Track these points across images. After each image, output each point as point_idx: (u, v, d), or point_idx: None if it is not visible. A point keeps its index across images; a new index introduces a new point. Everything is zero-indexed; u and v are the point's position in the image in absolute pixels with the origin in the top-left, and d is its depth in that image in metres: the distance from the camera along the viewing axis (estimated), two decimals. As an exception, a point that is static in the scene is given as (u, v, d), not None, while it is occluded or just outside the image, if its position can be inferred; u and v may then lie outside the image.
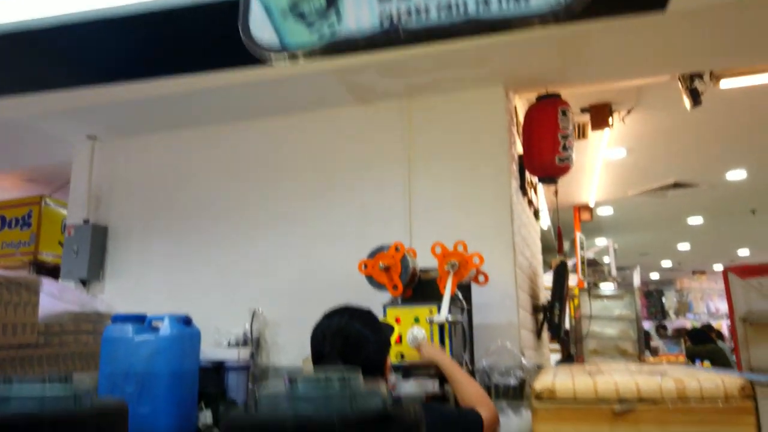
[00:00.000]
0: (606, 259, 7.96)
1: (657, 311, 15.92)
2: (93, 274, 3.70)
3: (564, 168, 3.00)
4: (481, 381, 2.25)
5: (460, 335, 2.38)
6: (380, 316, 2.25)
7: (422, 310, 2.25)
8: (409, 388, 2.14)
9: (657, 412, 1.48)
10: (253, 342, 3.11)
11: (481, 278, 2.46)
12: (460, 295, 2.44)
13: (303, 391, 0.73)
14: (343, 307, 1.70)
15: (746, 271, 2.68)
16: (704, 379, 1.50)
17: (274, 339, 3.22)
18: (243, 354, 2.91)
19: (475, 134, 2.99)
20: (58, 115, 3.53)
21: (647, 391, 1.50)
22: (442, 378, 2.22)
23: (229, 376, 2.89)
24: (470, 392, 1.83)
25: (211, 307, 3.31)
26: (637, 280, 4.70)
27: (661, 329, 9.00)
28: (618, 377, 1.58)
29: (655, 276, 15.41)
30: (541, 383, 1.62)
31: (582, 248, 7.25)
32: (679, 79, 3.24)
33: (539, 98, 3.14)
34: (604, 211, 7.94)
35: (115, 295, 3.61)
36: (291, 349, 3.06)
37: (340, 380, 0.73)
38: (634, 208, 7.74)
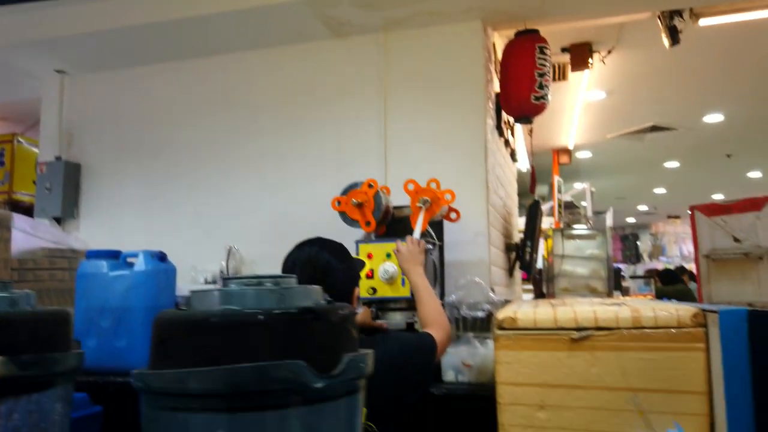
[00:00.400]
0: (584, 203, 8.07)
1: (632, 254, 16.33)
2: (67, 211, 3.67)
3: (540, 107, 2.99)
4: (450, 314, 2.31)
5: (431, 270, 2.43)
6: (353, 253, 2.29)
7: (394, 246, 2.28)
8: (388, 319, 2.21)
9: (613, 339, 1.54)
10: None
11: (453, 215, 2.49)
12: (432, 232, 2.48)
13: (234, 290, 0.75)
14: (314, 239, 1.74)
15: (712, 209, 2.74)
16: (659, 308, 1.56)
17: (251, 276, 3.25)
18: (219, 290, 2.94)
19: (452, 70, 2.95)
20: (24, 47, 3.41)
21: (604, 319, 1.56)
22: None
23: (206, 312, 2.94)
24: (426, 312, 1.88)
25: (188, 245, 3.32)
26: (609, 221, 4.79)
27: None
28: (578, 308, 1.64)
29: (631, 220, 15.69)
30: (504, 313, 1.67)
31: (560, 191, 7.33)
32: (659, 16, 3.21)
33: (517, 34, 3.09)
34: (583, 155, 8.00)
35: (91, 233, 3.59)
36: (267, 286, 3.10)
37: (272, 280, 0.75)
38: (612, 151, 7.80)
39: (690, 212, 2.79)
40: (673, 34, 3.16)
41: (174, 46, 3.40)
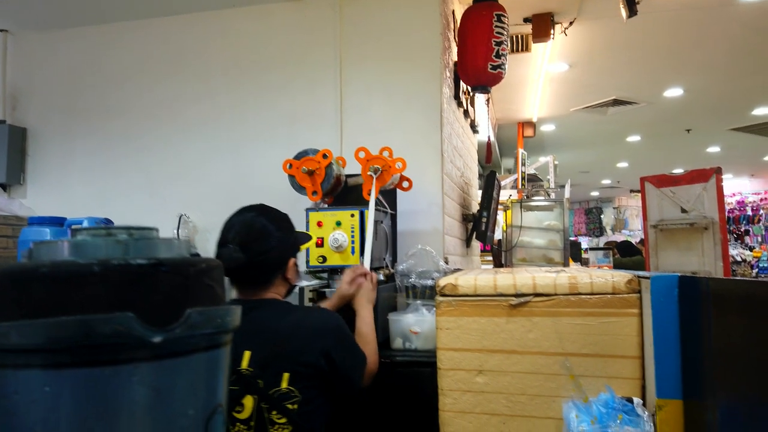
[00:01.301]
0: (548, 177, 8.15)
1: (596, 227, 16.67)
2: (13, 177, 3.54)
3: (496, 76, 2.96)
4: (400, 282, 2.31)
5: (383, 238, 2.42)
6: (303, 220, 2.26)
7: (344, 214, 2.26)
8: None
9: (550, 305, 1.56)
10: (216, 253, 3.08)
11: (405, 184, 2.48)
12: (384, 200, 2.46)
13: (81, 240, 0.71)
14: (256, 205, 1.73)
15: (662, 180, 2.79)
16: (597, 275, 1.57)
17: (204, 245, 3.20)
18: (170, 258, 2.89)
19: (408, 37, 2.90)
20: (-40, 4, 3.23)
21: (542, 285, 1.57)
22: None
23: (156, 280, 2.89)
24: (365, 344, 1.80)
25: (139, 213, 3.25)
26: (567, 194, 4.84)
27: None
28: (518, 275, 1.65)
29: (595, 194, 15.96)
30: (446, 280, 1.68)
31: (524, 164, 7.39)
32: (617, -13, 3.20)
33: (475, 1, 3.05)
34: (547, 128, 8.05)
35: (38, 200, 3.48)
36: (221, 255, 3.06)
37: (126, 231, 0.72)
38: (575, 125, 7.86)
39: (640, 184, 2.83)
40: (631, 5, 3.16)
41: (124, 6, 3.26)
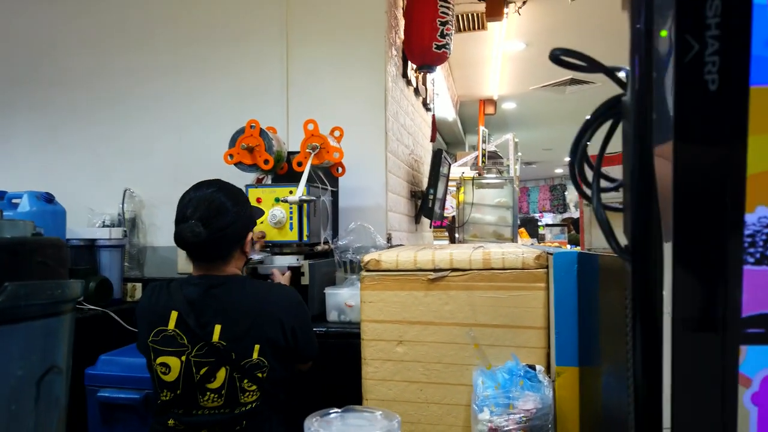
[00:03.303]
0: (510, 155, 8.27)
1: (559, 204, 16.99)
2: (-47, 150, 3.48)
3: (441, 56, 3.01)
4: (338, 258, 2.38)
5: (322, 215, 2.48)
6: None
7: (282, 191, 2.31)
8: (278, 261, 2.26)
9: (465, 279, 1.65)
10: (127, 222, 3.09)
11: (339, 170, 2.53)
12: (323, 176, 2.51)
13: None
14: (213, 180, 1.77)
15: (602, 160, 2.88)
16: (509, 252, 1.66)
17: (151, 220, 3.22)
18: (115, 233, 2.90)
19: (354, 14, 2.92)
20: None
21: (458, 261, 1.66)
22: (307, 255, 2.35)
23: (101, 254, 2.90)
24: None
25: (84, 187, 3.23)
26: (516, 170, 4.95)
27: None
28: (437, 252, 1.73)
29: (559, 171, 16.22)
30: (370, 256, 1.75)
31: (484, 141, 7.49)
32: (562, -30, 3.26)
33: (421, -19, 3.08)
34: (508, 105, 8.15)
35: (-18, 173, 3.43)
36: (168, 230, 3.06)
37: None
38: (536, 103, 7.99)
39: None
40: (575, -12, 3.22)
41: (67, -24, 3.20)
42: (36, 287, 0.70)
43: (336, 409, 1.20)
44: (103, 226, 3.05)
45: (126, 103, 3.25)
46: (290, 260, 2.32)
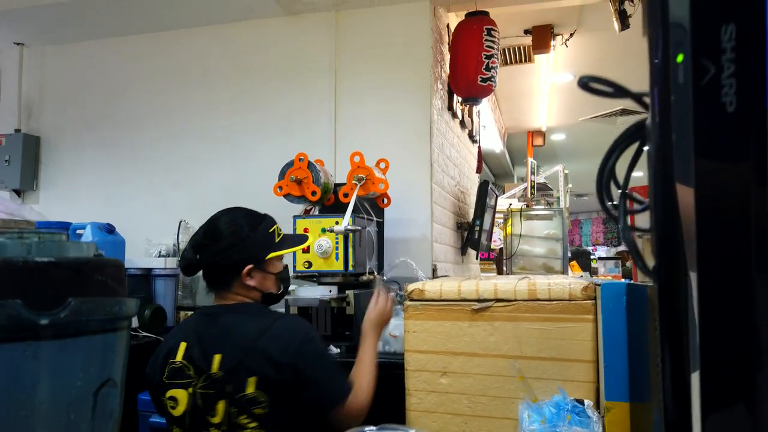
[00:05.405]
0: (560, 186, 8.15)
1: (613, 237, 16.53)
2: (26, 184, 3.71)
3: (486, 89, 3.04)
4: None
5: (367, 245, 2.50)
6: (290, 228, 2.36)
7: (329, 221, 2.35)
8: (306, 292, 2.28)
9: (510, 310, 1.63)
10: (181, 252, 3.20)
11: (384, 200, 2.57)
12: (369, 207, 2.55)
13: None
14: (234, 208, 1.73)
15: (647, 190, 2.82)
16: (555, 283, 1.64)
17: (204, 249, 3.32)
18: (170, 263, 3.01)
19: (400, 50, 3.00)
20: (-19, 20, 3.42)
21: (503, 291, 1.64)
22: (343, 286, 2.36)
23: (157, 284, 3.01)
24: (362, 371, 1.68)
25: (143, 219, 3.38)
26: (566, 202, 4.87)
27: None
28: (482, 282, 1.72)
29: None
30: (414, 286, 1.76)
31: (533, 173, 7.42)
32: (609, 0, 3.26)
33: (467, 15, 3.14)
34: (557, 137, 8.07)
35: (50, 205, 3.64)
36: (219, 259, 3.17)
37: (36, 235, 0.83)
38: (586, 134, 7.87)
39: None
40: (623, 19, 3.21)
41: (131, 21, 3.42)
42: (96, 303, 0.75)
43: (371, 427, 1.20)
44: (159, 255, 3.17)
45: (181, 137, 3.41)
46: (322, 291, 2.33)
